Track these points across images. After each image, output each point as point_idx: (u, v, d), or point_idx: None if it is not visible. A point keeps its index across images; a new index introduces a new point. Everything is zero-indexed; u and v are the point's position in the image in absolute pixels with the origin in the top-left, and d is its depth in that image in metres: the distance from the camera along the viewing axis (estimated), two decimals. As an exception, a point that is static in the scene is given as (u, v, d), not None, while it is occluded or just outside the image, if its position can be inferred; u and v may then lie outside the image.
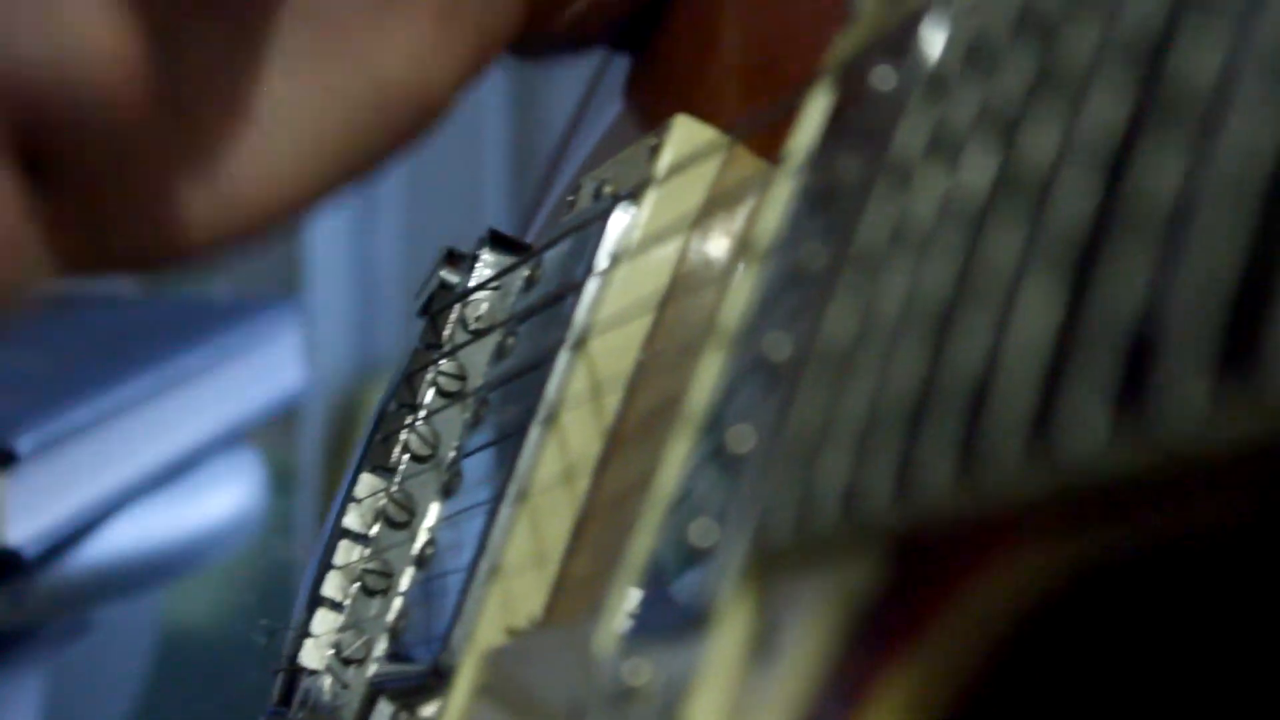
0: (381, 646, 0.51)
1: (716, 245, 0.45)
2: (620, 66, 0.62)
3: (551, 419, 0.46)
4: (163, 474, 0.97)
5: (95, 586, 0.90)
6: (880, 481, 0.29)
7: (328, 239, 1.59)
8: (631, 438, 0.45)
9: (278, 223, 0.49)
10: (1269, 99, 0.23)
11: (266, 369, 1.06)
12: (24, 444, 0.86)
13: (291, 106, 0.48)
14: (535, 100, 1.55)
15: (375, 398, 0.59)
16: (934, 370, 0.28)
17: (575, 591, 0.44)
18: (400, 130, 0.50)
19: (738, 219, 0.45)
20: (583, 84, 0.63)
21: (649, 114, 0.56)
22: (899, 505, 0.28)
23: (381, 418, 0.56)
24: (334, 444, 1.54)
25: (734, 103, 0.51)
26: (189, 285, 1.45)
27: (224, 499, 1.01)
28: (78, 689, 0.98)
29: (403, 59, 0.49)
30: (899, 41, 0.35)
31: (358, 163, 0.49)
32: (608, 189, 0.49)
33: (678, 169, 0.45)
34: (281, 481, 1.36)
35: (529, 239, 0.65)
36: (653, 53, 0.58)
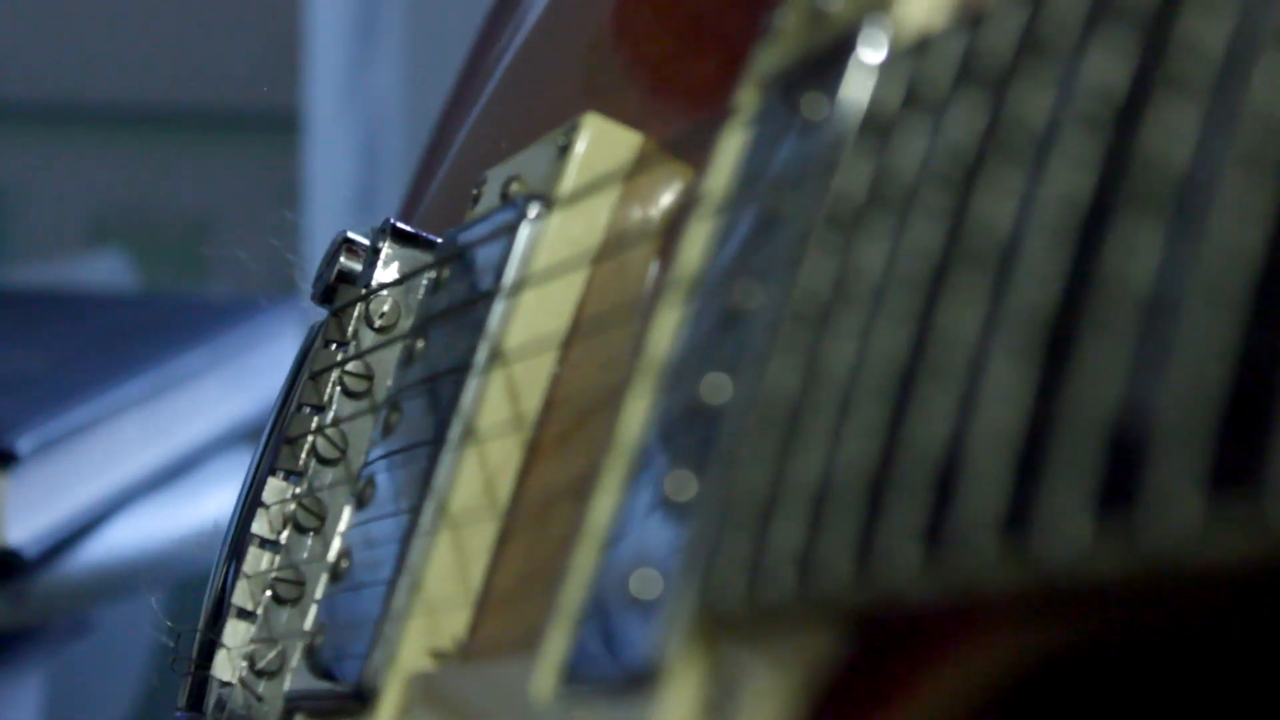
0: (297, 658, 0.50)
1: (635, 258, 0.43)
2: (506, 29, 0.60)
3: (468, 433, 0.44)
4: (163, 474, 0.97)
5: (95, 586, 0.90)
6: (839, 556, 0.28)
7: (327, 238, 1.56)
8: (552, 448, 0.44)
9: None
10: (1253, 192, 0.22)
11: (266, 369, 1.05)
12: (24, 444, 0.85)
13: None
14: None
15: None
16: (893, 444, 0.27)
17: (500, 611, 0.43)
18: None
19: (657, 224, 0.43)
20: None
21: (552, 94, 0.54)
22: (860, 583, 0.27)
23: (282, 419, 0.54)
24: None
25: (640, 89, 0.49)
26: (189, 285, 1.43)
27: (224, 499, 1.00)
28: (78, 689, 0.97)
29: None
30: (827, 65, 0.34)
31: None
32: (514, 187, 0.48)
33: (592, 188, 0.44)
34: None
35: (421, 207, 0.64)
36: (551, 22, 0.56)
